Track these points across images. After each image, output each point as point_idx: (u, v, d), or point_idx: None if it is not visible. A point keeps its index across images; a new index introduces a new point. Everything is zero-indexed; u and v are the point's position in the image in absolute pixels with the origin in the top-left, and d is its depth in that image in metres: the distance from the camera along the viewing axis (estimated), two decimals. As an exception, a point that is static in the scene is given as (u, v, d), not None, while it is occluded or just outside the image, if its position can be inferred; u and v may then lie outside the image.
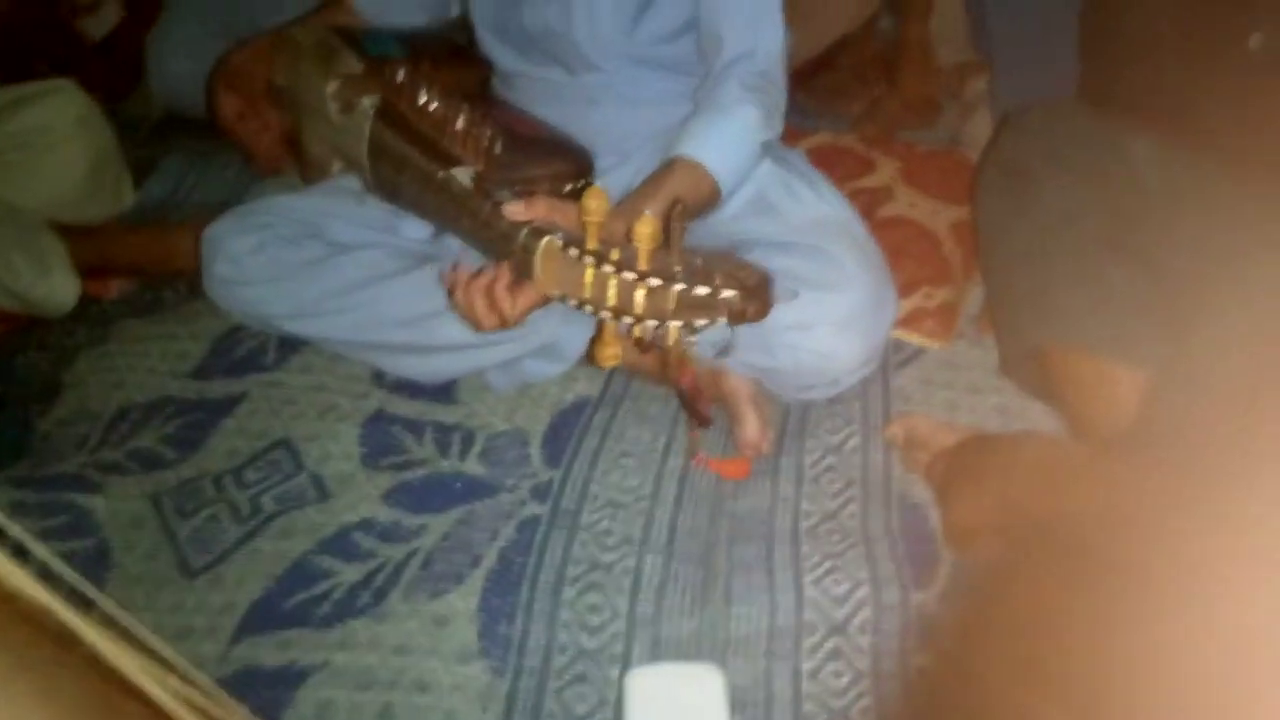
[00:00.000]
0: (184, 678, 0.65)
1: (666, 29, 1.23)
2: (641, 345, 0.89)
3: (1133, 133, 1.13)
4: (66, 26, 1.89)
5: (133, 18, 1.92)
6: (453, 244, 1.22)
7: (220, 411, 1.27)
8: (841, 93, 1.85)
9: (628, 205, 1.03)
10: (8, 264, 1.35)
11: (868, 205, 1.38)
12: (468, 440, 1.21)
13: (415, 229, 1.27)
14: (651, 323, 0.85)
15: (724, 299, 0.82)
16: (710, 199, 1.10)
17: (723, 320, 0.84)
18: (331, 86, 1.25)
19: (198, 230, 1.29)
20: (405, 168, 1.13)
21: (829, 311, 1.11)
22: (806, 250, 1.15)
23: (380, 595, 1.05)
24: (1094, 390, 1.07)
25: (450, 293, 1.05)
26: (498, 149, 1.06)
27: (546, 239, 0.92)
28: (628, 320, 0.87)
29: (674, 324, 0.85)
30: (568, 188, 1.07)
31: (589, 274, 0.87)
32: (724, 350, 0.95)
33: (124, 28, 1.92)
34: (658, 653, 0.99)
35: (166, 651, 0.64)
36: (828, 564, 1.06)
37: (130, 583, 1.07)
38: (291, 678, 0.98)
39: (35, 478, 1.18)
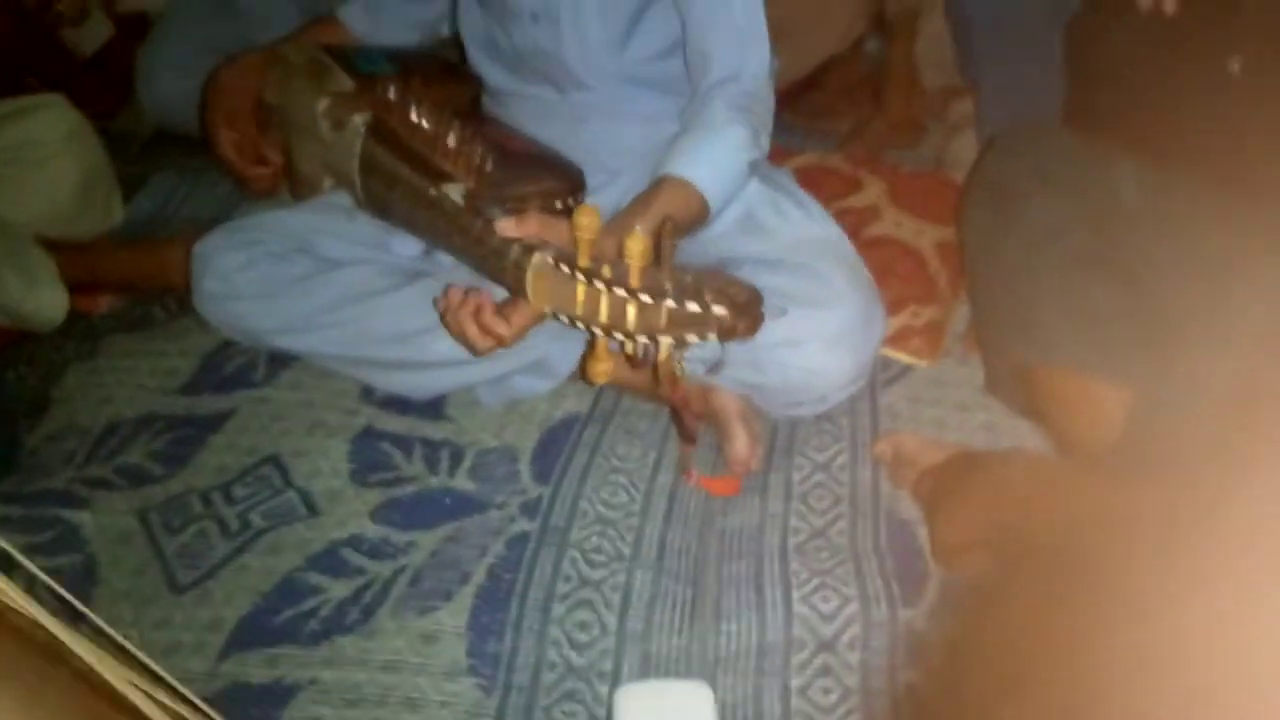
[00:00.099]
0: (173, 693, 0.65)
1: (655, 48, 1.24)
2: (633, 362, 0.89)
3: (1116, 154, 1.15)
4: (56, 42, 1.89)
5: (123, 34, 1.92)
6: (444, 260, 1.23)
7: (209, 427, 1.26)
8: (828, 113, 1.86)
9: (618, 223, 1.04)
10: (-3, 279, 1.35)
11: (854, 225, 1.39)
12: (457, 456, 1.21)
13: (405, 245, 1.27)
14: (643, 339, 0.86)
15: (715, 315, 0.83)
16: (699, 217, 1.11)
17: (713, 337, 0.85)
18: (323, 104, 1.26)
19: (187, 246, 1.30)
20: (396, 185, 1.13)
21: (818, 328, 1.12)
22: (795, 268, 1.15)
23: (369, 612, 1.05)
24: (1078, 408, 1.08)
25: (443, 318, 1.06)
26: (489, 166, 1.06)
27: (538, 256, 0.92)
28: (619, 336, 0.87)
29: (665, 340, 0.85)
30: (558, 205, 1.08)
31: (581, 290, 0.88)
32: (715, 367, 0.95)
33: (114, 44, 1.92)
34: (647, 669, 1.00)
35: (155, 667, 0.64)
36: (817, 581, 1.06)
37: (117, 598, 1.07)
38: (279, 694, 0.98)
39: (22, 493, 1.17)
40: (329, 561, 1.10)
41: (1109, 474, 1.01)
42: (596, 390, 1.28)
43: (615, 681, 0.98)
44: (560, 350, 1.23)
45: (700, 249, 1.20)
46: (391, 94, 1.14)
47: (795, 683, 0.97)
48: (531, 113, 1.30)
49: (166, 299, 1.47)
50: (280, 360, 1.33)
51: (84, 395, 1.32)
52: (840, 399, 1.20)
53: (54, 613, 0.57)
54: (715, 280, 0.86)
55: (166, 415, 1.28)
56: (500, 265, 0.98)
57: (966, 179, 1.31)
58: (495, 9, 1.25)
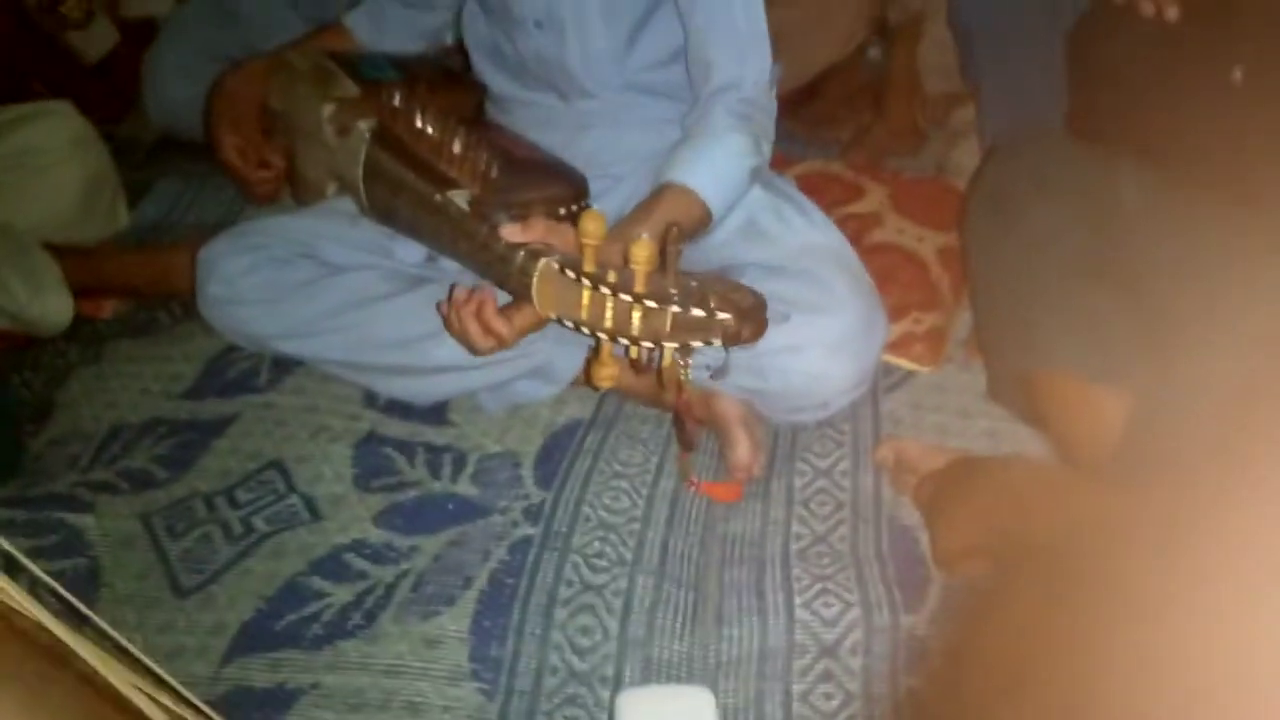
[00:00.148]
0: (176, 696, 0.65)
1: (658, 56, 1.25)
2: (637, 366, 0.90)
3: (1118, 160, 1.15)
4: (62, 48, 1.90)
5: (129, 40, 1.93)
6: (447, 266, 1.23)
7: (212, 432, 1.27)
8: (830, 120, 1.87)
9: (621, 230, 1.04)
10: (2, 284, 1.35)
11: (857, 231, 1.40)
12: (459, 462, 1.22)
13: (409, 252, 1.27)
14: (648, 344, 0.86)
15: (719, 320, 0.83)
16: (701, 224, 1.11)
17: (718, 341, 0.85)
18: (327, 110, 1.27)
19: (192, 251, 1.30)
20: (401, 190, 1.14)
21: (820, 334, 1.12)
22: (797, 274, 1.16)
23: (371, 616, 1.05)
24: (1079, 414, 1.08)
25: (446, 317, 1.06)
26: (494, 172, 1.07)
27: (544, 261, 0.93)
28: (624, 341, 0.87)
29: (669, 345, 0.86)
30: (563, 212, 1.08)
31: (586, 295, 0.88)
32: (718, 372, 0.96)
33: (120, 50, 1.94)
34: (649, 674, 1.00)
35: (159, 670, 0.64)
36: (818, 586, 1.06)
37: (121, 602, 1.07)
38: (282, 699, 0.98)
39: (27, 497, 1.18)
40: (332, 566, 1.10)
41: (1110, 479, 1.01)
42: (599, 396, 1.29)
43: (617, 686, 0.98)
44: (563, 356, 1.24)
45: (702, 255, 1.21)
46: (397, 100, 1.15)
47: (797, 688, 0.97)
48: (535, 120, 1.31)
49: (171, 304, 1.47)
50: (283, 365, 1.34)
51: (88, 400, 1.33)
52: (842, 405, 1.20)
53: (58, 616, 0.57)
54: (720, 285, 0.87)
55: (170, 420, 1.29)
56: (505, 270, 0.98)
57: (968, 186, 1.32)
58: (500, 16, 1.26)
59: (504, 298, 1.03)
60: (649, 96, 1.28)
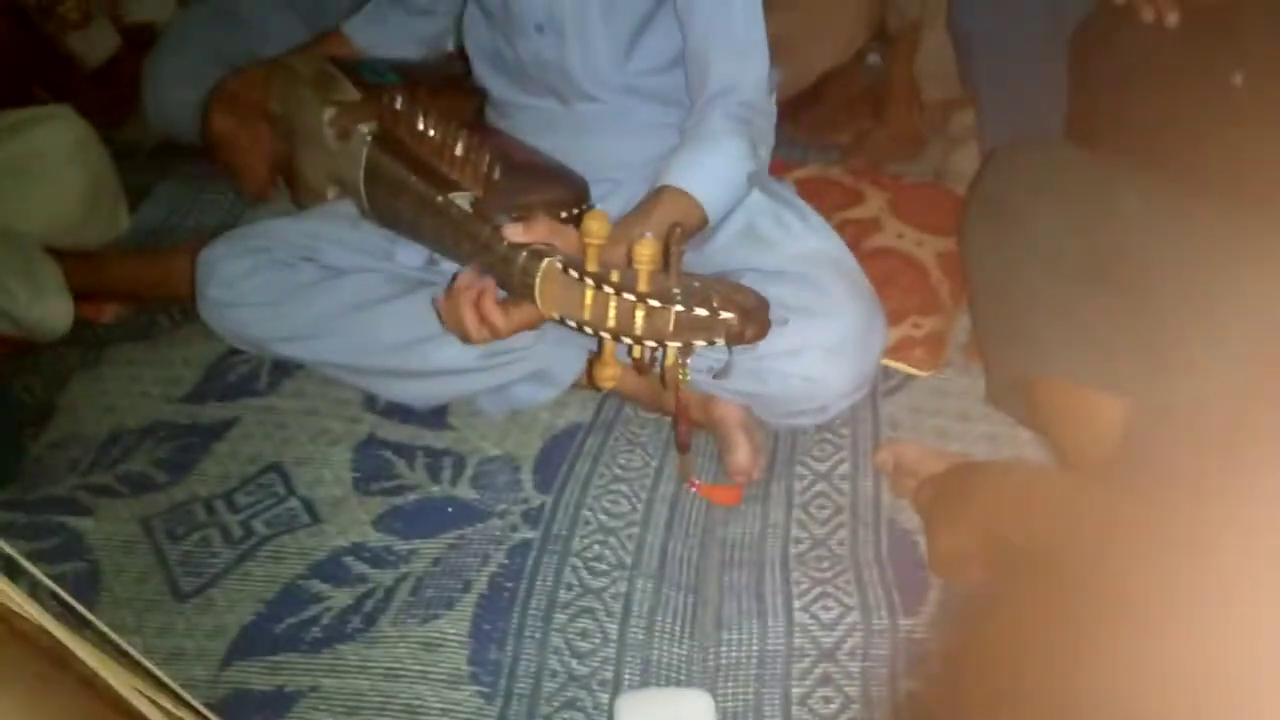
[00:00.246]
0: (176, 699, 0.65)
1: (658, 60, 1.25)
2: (640, 367, 0.90)
3: (1118, 166, 1.16)
4: (62, 52, 1.91)
5: (130, 45, 1.94)
6: (447, 270, 1.24)
7: (212, 435, 1.27)
8: (829, 125, 1.88)
9: (619, 231, 1.04)
10: (2, 287, 1.35)
11: (856, 236, 1.40)
12: (459, 465, 1.22)
13: (409, 254, 1.28)
14: (650, 343, 0.86)
15: (723, 320, 0.83)
16: (698, 227, 1.11)
17: (721, 341, 0.85)
18: (328, 113, 1.27)
19: (192, 255, 1.30)
20: (403, 192, 1.14)
21: (820, 337, 1.12)
22: (796, 279, 1.16)
23: (371, 620, 1.05)
24: (1077, 419, 1.08)
25: (443, 307, 1.06)
26: (496, 175, 1.07)
27: (547, 261, 0.93)
28: (627, 341, 0.88)
29: (672, 345, 0.86)
30: (564, 215, 1.09)
31: (589, 295, 0.88)
32: (721, 372, 0.96)
33: (121, 54, 1.94)
34: (648, 678, 0.99)
35: (159, 673, 0.64)
36: (818, 590, 1.06)
37: (120, 605, 1.07)
38: (281, 702, 0.98)
39: (27, 500, 1.18)
40: (331, 569, 1.10)
41: (1109, 485, 1.01)
42: (598, 399, 1.29)
43: (616, 690, 0.98)
44: (562, 359, 1.24)
45: (701, 260, 1.21)
46: (399, 103, 1.15)
47: (796, 691, 0.97)
48: (535, 124, 1.31)
49: (171, 308, 1.47)
50: (283, 369, 1.34)
51: (88, 403, 1.33)
52: (841, 409, 1.21)
53: (58, 618, 0.57)
54: (723, 286, 0.87)
55: (170, 423, 1.29)
56: (508, 271, 0.98)
57: (967, 191, 1.32)
58: (500, 21, 1.26)
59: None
60: (649, 101, 1.28)
